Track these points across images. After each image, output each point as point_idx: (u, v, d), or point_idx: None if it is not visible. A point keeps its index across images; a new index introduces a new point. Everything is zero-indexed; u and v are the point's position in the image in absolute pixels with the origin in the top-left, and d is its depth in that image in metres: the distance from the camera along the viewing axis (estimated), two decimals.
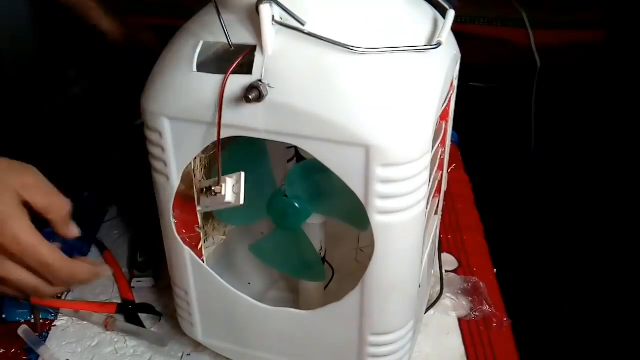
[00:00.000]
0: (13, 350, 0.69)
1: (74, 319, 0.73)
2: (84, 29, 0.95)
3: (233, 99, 0.48)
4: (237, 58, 0.48)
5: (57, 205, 0.61)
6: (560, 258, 1.50)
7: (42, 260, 0.58)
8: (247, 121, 0.49)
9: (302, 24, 0.47)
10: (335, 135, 0.47)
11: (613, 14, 1.65)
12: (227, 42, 0.49)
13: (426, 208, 0.53)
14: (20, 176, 0.59)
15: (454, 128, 0.66)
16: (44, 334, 0.71)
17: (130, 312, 0.74)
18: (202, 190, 0.55)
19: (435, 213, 0.67)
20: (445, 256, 0.82)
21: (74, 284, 0.68)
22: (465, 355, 0.69)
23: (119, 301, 0.75)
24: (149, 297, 0.76)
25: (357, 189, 0.49)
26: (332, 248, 0.67)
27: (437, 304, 0.74)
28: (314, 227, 0.61)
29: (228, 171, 0.53)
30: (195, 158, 0.56)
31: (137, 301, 0.75)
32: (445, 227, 0.88)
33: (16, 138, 0.98)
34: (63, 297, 0.76)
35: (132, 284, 0.78)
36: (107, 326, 0.71)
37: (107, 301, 0.75)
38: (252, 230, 0.72)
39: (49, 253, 0.58)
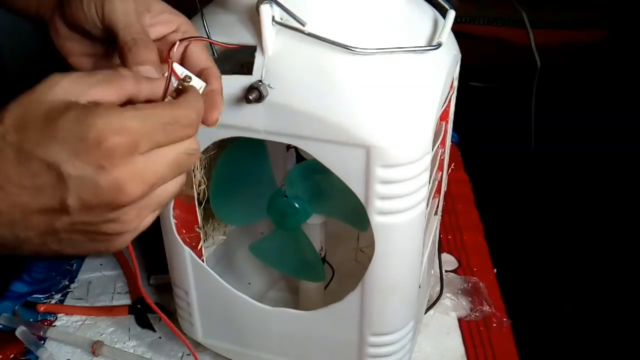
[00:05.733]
0: (12, 356, 0.69)
1: (73, 319, 0.73)
2: None
3: (233, 99, 0.48)
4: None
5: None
6: (560, 258, 1.50)
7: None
8: (247, 121, 0.49)
9: (303, 25, 0.47)
10: (336, 136, 0.47)
11: (613, 14, 1.65)
12: (226, 43, 0.49)
13: (426, 208, 0.53)
14: None
15: (454, 128, 0.66)
16: (43, 334, 0.71)
17: (140, 313, 0.74)
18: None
19: (435, 213, 0.67)
20: (445, 256, 0.82)
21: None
22: (465, 355, 0.69)
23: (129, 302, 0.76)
24: (165, 297, 0.75)
25: (358, 189, 0.49)
26: (332, 248, 0.67)
27: (437, 304, 0.74)
28: (314, 227, 0.61)
29: (228, 171, 0.53)
30: None
31: (153, 299, 0.75)
32: (445, 227, 0.88)
33: None
34: (67, 302, 0.76)
35: (151, 281, 0.78)
36: (94, 352, 0.68)
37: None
38: (252, 230, 0.72)
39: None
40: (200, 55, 0.45)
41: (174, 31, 0.46)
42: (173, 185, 0.38)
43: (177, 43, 0.44)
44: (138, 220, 0.36)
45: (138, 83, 0.38)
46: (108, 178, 0.33)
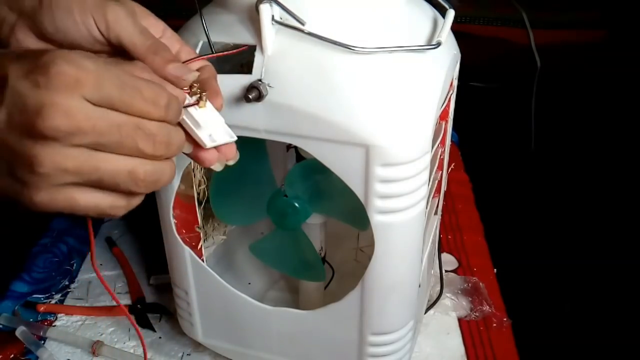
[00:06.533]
0: (12, 356, 0.69)
1: (73, 319, 0.73)
2: None
3: (233, 98, 0.48)
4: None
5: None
6: (560, 258, 1.50)
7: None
8: (247, 121, 0.49)
9: (302, 24, 0.47)
10: (335, 135, 0.47)
11: (613, 14, 1.65)
12: (226, 43, 0.49)
13: (426, 208, 0.53)
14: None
15: (454, 128, 0.66)
16: (43, 334, 0.71)
17: (140, 313, 0.74)
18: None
19: (435, 213, 0.67)
20: (445, 256, 0.82)
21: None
22: (465, 355, 0.69)
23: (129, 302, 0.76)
24: (165, 297, 0.75)
25: (357, 188, 0.49)
26: (332, 248, 0.67)
27: (437, 304, 0.74)
28: (314, 227, 0.61)
29: (228, 171, 0.53)
30: None
31: (153, 299, 0.76)
32: (445, 227, 0.88)
33: None
34: (67, 302, 0.76)
35: (151, 281, 0.78)
36: (94, 352, 0.68)
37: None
38: (252, 230, 0.72)
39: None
40: (187, 52, 0.45)
41: (161, 36, 0.44)
42: (116, 162, 0.35)
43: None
44: (55, 175, 0.34)
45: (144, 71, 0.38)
46: (36, 97, 0.32)
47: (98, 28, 0.41)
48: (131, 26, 0.41)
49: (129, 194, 0.37)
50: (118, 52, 0.41)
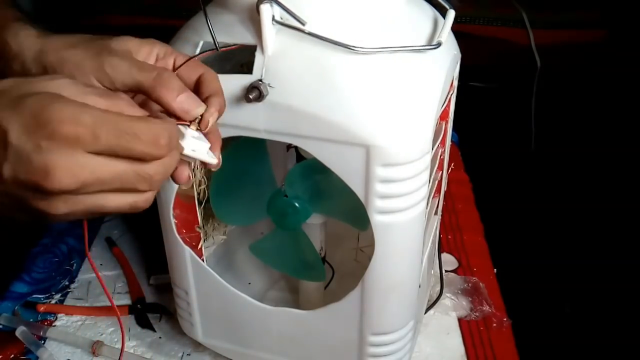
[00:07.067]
0: (12, 356, 0.69)
1: (73, 319, 0.73)
2: (85, 27, 0.94)
3: (233, 98, 0.48)
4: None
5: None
6: (560, 258, 1.50)
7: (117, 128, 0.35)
8: (247, 121, 0.49)
9: (303, 24, 0.47)
10: (336, 135, 0.47)
11: (613, 14, 1.65)
12: (227, 42, 0.49)
13: (426, 208, 0.53)
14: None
15: (454, 128, 0.66)
16: (43, 334, 0.71)
17: (140, 313, 0.74)
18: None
19: (435, 213, 0.67)
20: (445, 256, 0.82)
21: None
22: (465, 355, 0.69)
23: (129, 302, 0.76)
24: (165, 297, 0.75)
25: (357, 188, 0.49)
26: (332, 248, 0.67)
27: (437, 304, 0.74)
28: (314, 227, 0.61)
29: (228, 171, 0.53)
30: None
31: (153, 299, 0.76)
32: (445, 227, 0.88)
33: None
34: (67, 302, 0.76)
35: (151, 281, 0.78)
36: (94, 352, 0.68)
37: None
38: (252, 230, 0.72)
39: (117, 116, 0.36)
40: (191, 65, 0.45)
41: (156, 60, 0.45)
42: (118, 200, 0.37)
43: (174, 69, 0.44)
44: (68, 212, 0.36)
45: (132, 106, 0.38)
46: (40, 159, 0.33)
47: (104, 85, 0.42)
48: (129, 69, 0.41)
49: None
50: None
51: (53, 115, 0.33)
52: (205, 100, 0.42)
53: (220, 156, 0.43)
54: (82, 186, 0.35)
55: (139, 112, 0.38)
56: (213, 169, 0.43)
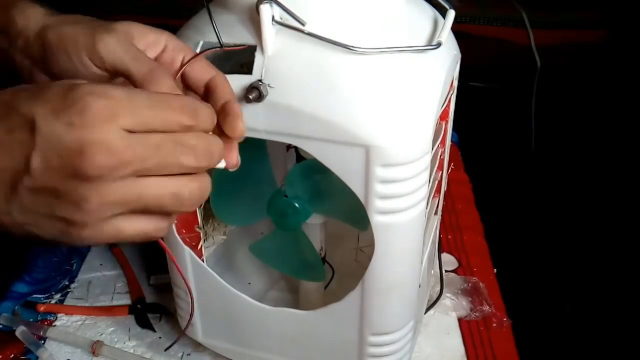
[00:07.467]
0: (12, 356, 0.68)
1: (73, 319, 0.73)
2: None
3: None
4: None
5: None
6: (560, 258, 1.50)
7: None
8: (247, 121, 0.49)
9: (302, 24, 0.47)
10: (335, 136, 0.47)
11: (613, 14, 1.65)
12: (226, 42, 0.49)
13: (426, 208, 0.53)
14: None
15: (454, 128, 0.66)
16: (43, 334, 0.71)
17: (140, 313, 0.74)
18: None
19: (435, 213, 0.67)
20: (445, 256, 0.82)
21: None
22: (465, 355, 0.69)
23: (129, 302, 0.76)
24: (165, 297, 0.75)
25: (357, 189, 0.49)
26: (332, 248, 0.67)
27: (437, 304, 0.74)
28: (314, 227, 0.61)
29: (228, 171, 0.53)
30: None
31: (153, 299, 0.76)
32: (445, 227, 0.88)
33: None
34: (67, 302, 0.76)
35: (151, 281, 0.78)
36: (94, 352, 0.68)
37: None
38: (252, 230, 0.72)
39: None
40: (201, 66, 0.44)
41: (163, 51, 0.44)
42: (160, 185, 0.34)
43: (181, 66, 0.44)
44: (102, 209, 0.33)
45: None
46: (73, 136, 0.31)
47: (95, 64, 0.40)
48: (123, 53, 0.40)
49: (173, 213, 0.37)
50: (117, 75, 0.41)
51: (83, 90, 0.32)
52: (222, 106, 0.41)
53: (239, 157, 0.42)
54: (121, 164, 0.32)
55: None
56: (231, 169, 0.42)
